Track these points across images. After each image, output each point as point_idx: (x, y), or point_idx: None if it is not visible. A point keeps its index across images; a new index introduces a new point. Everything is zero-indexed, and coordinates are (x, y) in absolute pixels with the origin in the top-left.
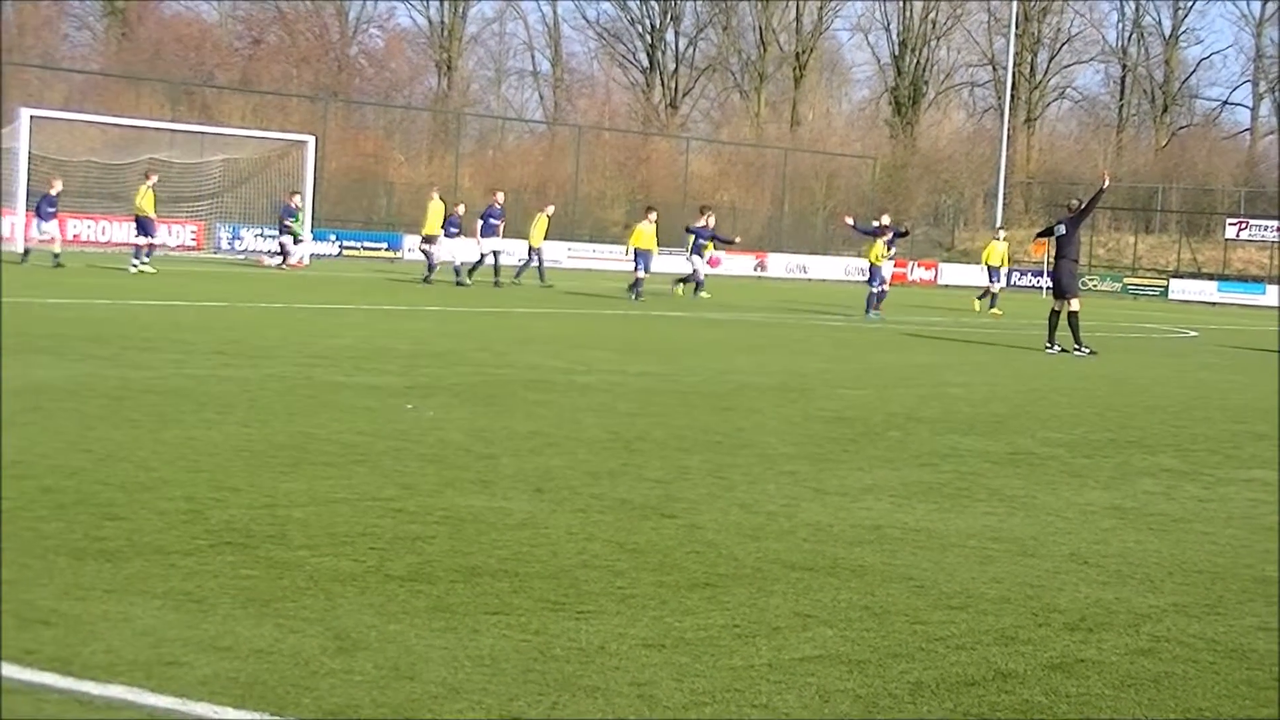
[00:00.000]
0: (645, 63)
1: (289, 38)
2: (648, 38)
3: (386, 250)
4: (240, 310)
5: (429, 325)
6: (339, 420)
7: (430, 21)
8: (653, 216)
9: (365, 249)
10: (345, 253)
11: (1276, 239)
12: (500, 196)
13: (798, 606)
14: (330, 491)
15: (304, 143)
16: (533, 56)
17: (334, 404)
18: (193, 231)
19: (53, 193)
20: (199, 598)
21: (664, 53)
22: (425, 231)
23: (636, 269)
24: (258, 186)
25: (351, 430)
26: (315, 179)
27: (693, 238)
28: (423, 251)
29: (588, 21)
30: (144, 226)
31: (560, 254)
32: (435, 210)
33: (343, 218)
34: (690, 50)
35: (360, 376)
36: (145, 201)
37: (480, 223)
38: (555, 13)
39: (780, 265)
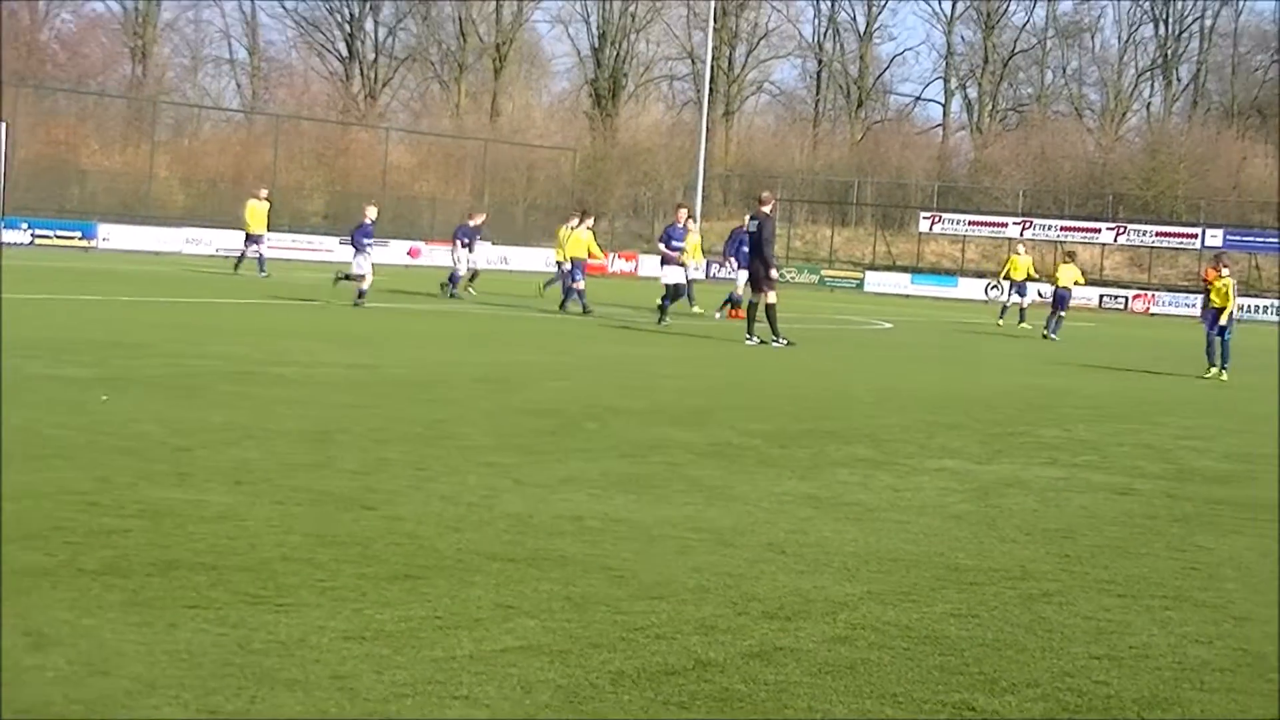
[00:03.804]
0: (344, 52)
1: None
2: (347, 27)
3: (80, 239)
4: None
5: (125, 314)
6: (32, 412)
7: (124, 7)
8: (589, 222)
9: (59, 237)
10: (37, 241)
11: (967, 232)
12: (683, 214)
13: (499, 597)
14: (23, 486)
15: None
16: (229, 44)
17: (26, 396)
18: None
19: (471, 224)
20: None
21: (363, 42)
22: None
23: (575, 280)
24: None
25: (46, 423)
26: (5, 166)
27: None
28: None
29: (285, 9)
30: None
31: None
32: (257, 210)
33: (34, 206)
34: (390, 40)
35: (54, 368)
36: None
37: (663, 245)
38: (252, 0)
39: (479, 256)
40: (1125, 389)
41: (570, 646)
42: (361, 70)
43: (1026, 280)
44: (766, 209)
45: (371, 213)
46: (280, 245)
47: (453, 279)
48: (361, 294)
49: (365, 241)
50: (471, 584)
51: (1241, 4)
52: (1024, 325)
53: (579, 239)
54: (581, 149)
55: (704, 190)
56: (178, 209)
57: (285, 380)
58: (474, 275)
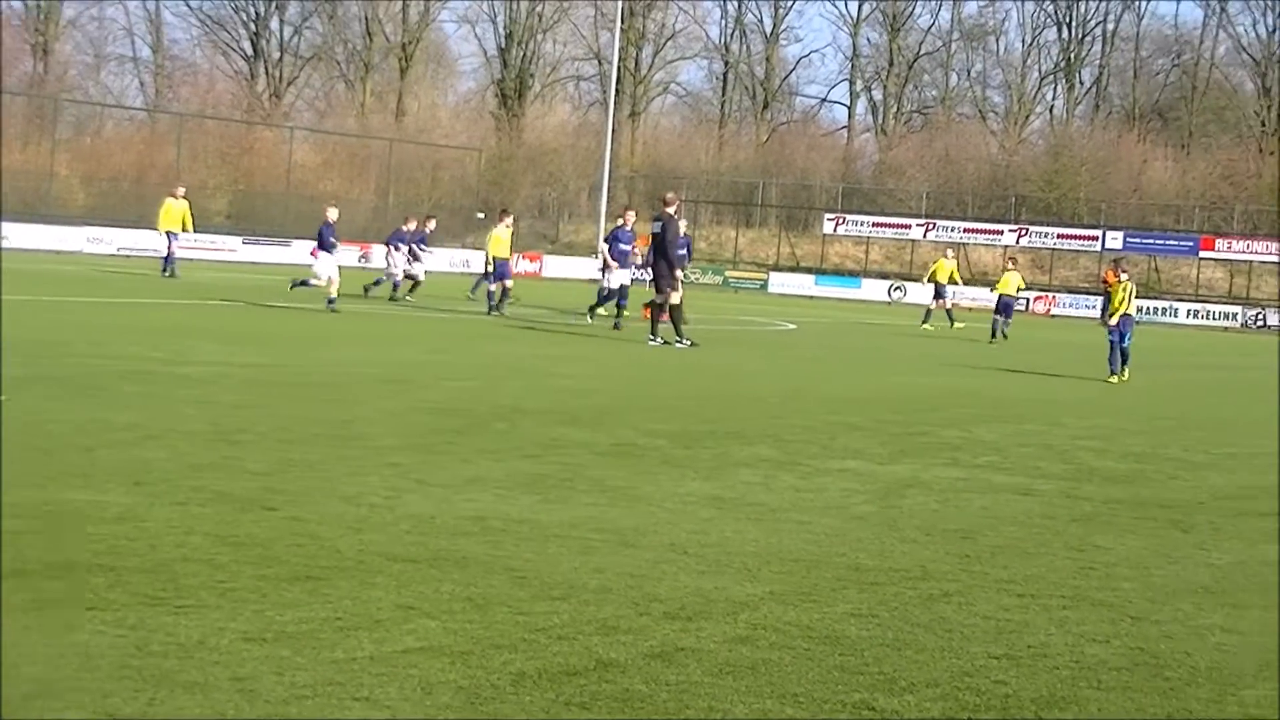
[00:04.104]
0: (249, 51)
1: None
2: (252, 25)
3: None
4: None
5: (26, 314)
6: None
7: (26, 4)
8: (508, 220)
9: None
10: None
11: (871, 234)
12: (631, 216)
13: (400, 598)
14: None
15: None
16: (133, 42)
17: None
18: None
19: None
20: None
21: (268, 41)
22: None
23: (490, 280)
24: None
25: None
26: None
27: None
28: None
29: (190, 8)
30: None
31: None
32: (174, 209)
33: None
34: (295, 39)
35: None
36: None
37: (607, 247)
38: None
39: (383, 256)
40: (1027, 390)
41: (471, 647)
42: (266, 69)
43: (949, 283)
44: (670, 210)
45: (333, 214)
46: (183, 245)
47: (378, 283)
48: (308, 284)
49: (333, 241)
50: (373, 585)
51: (1144, 8)
52: (926, 326)
53: (498, 238)
54: (487, 149)
55: (609, 191)
56: (79, 208)
57: (189, 380)
58: (415, 285)
